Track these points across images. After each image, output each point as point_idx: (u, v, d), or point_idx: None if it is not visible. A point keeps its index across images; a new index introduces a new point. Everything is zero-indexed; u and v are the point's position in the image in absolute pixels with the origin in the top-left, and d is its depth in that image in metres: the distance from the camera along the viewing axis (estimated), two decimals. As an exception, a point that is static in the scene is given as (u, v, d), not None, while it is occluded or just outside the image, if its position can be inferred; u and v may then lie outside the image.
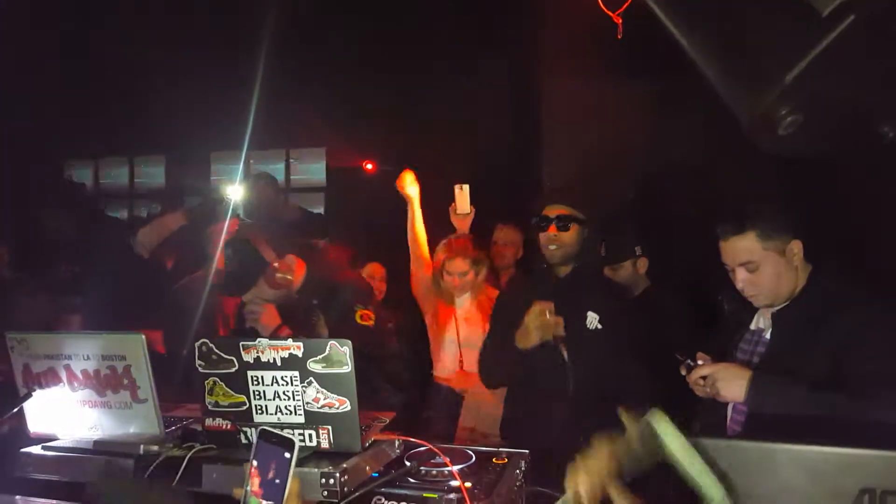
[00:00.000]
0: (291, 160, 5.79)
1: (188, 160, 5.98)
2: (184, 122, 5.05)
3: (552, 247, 2.34)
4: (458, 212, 2.91)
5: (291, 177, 5.82)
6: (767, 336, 1.92)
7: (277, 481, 1.15)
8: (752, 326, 1.98)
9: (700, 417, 2.69)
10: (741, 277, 1.86)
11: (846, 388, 1.63)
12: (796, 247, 1.84)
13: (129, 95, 4.97)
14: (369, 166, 5.47)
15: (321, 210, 5.58)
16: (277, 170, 5.67)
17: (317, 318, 2.35)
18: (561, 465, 1.42)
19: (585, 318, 2.31)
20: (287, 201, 4.10)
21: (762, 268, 1.83)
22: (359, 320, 2.36)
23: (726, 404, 1.97)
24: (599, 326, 2.31)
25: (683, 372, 1.88)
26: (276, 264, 2.32)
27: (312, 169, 5.77)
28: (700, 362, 1.86)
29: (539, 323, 2.18)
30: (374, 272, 3.55)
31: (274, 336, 2.22)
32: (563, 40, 3.64)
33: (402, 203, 3.03)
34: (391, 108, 4.86)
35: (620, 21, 1.97)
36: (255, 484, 1.18)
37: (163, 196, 5.65)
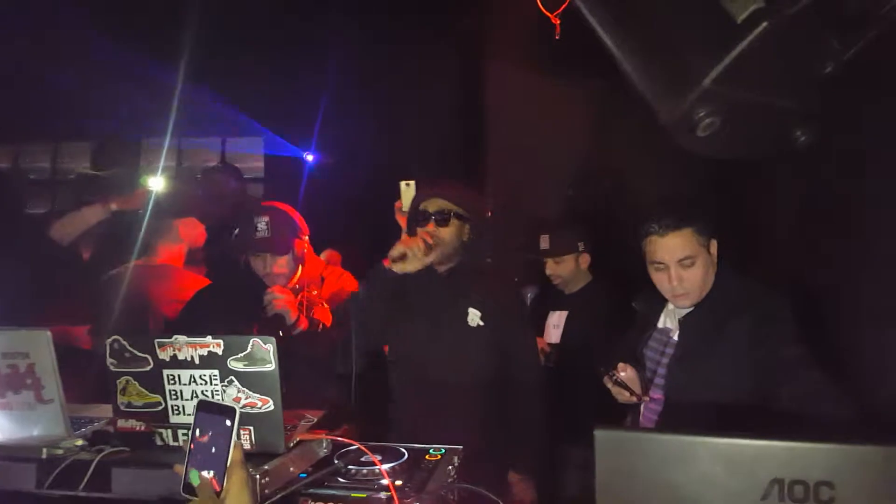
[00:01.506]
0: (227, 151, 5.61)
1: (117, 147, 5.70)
2: (112, 108, 4.82)
3: (422, 250, 2.17)
4: (404, 209, 2.84)
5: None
6: (675, 337, 1.94)
7: (219, 451, 1.10)
8: (660, 325, 2.01)
9: (631, 412, 2.76)
10: (675, 275, 1.85)
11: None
12: (714, 245, 1.88)
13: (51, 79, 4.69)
14: (309, 157, 5.36)
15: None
16: (210, 161, 5.48)
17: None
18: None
19: (466, 315, 2.25)
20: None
21: (696, 265, 1.84)
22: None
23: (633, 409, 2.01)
24: (482, 323, 2.24)
25: (609, 384, 1.90)
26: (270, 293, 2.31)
27: (249, 159, 5.60)
28: (622, 373, 1.88)
29: (414, 249, 2.11)
30: (330, 258, 3.50)
31: (293, 326, 2.26)
32: (504, 38, 3.65)
33: (340, 193, 2.95)
34: (331, 100, 4.78)
35: (559, 22, 1.97)
36: (196, 456, 1.13)
37: (86, 184, 5.36)
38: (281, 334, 2.18)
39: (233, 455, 1.10)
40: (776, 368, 1.70)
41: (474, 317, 2.25)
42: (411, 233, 2.31)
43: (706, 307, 1.88)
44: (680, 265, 1.84)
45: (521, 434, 2.26)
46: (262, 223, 2.33)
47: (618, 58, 1.18)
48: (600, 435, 1.13)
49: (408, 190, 2.65)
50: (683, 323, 1.92)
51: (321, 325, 2.35)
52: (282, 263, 2.37)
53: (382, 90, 4.65)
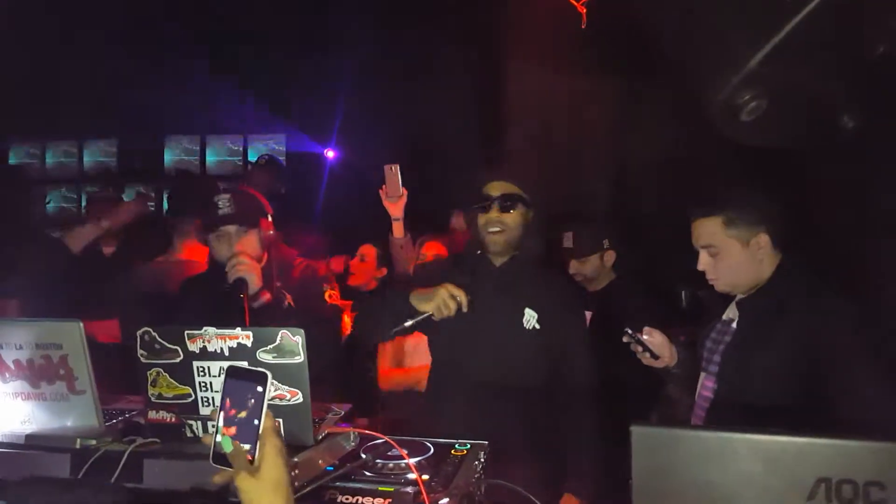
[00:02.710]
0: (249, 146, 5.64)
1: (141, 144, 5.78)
2: (136, 105, 4.88)
3: (494, 230, 2.04)
4: (388, 194, 2.69)
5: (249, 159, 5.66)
6: (734, 326, 1.93)
7: (250, 418, 1.04)
8: (724, 317, 1.99)
9: (658, 409, 2.73)
10: (702, 260, 1.89)
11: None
12: (762, 240, 1.84)
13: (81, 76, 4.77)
14: (330, 153, 5.37)
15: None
16: (234, 157, 5.52)
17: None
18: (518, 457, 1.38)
19: (522, 315, 2.07)
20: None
21: (722, 254, 1.85)
22: (328, 300, 2.29)
23: (683, 399, 1.99)
24: (537, 326, 2.07)
25: (626, 339, 1.95)
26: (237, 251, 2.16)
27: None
28: (646, 336, 1.94)
29: (443, 300, 1.89)
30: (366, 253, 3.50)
31: (257, 295, 2.07)
32: (527, 28, 3.62)
33: (360, 188, 2.95)
34: (353, 97, 4.78)
35: (584, 11, 1.94)
36: (227, 425, 1.06)
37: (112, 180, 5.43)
38: (243, 302, 2.01)
39: (265, 422, 1.04)
40: (829, 373, 1.65)
41: (530, 318, 2.07)
42: (470, 220, 2.12)
43: (764, 292, 1.86)
44: (706, 251, 1.88)
45: (577, 448, 2.07)
46: (223, 200, 2.17)
47: (659, 40, 1.14)
48: (637, 431, 1.10)
49: (392, 174, 2.59)
50: (740, 306, 1.91)
51: (287, 302, 2.15)
52: (248, 243, 2.17)
53: (403, 85, 4.65)
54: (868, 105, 1.12)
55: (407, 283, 2.21)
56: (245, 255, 2.11)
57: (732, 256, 1.84)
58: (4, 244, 2.55)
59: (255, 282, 2.06)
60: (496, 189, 2.07)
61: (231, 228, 2.17)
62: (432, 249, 2.87)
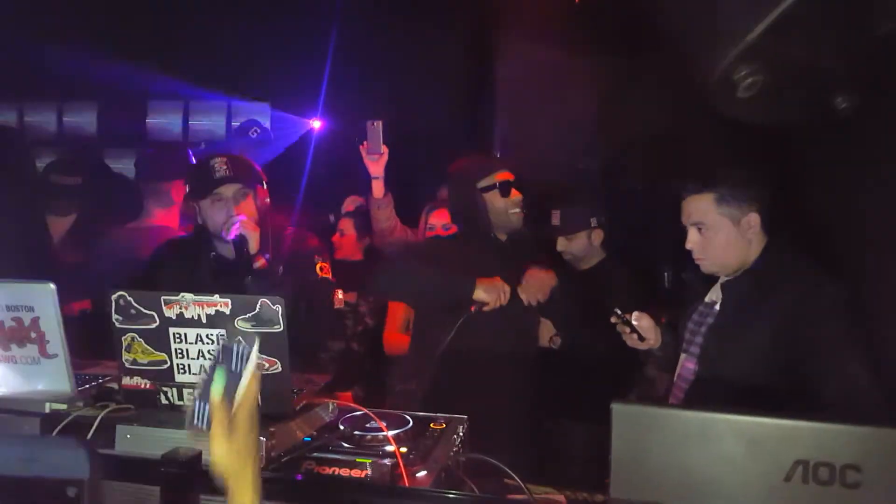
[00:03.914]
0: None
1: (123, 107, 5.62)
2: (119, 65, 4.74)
3: (515, 211, 2.32)
4: (369, 151, 2.55)
5: (232, 124, 5.55)
6: (717, 308, 1.93)
7: (234, 375, 1.01)
8: (707, 299, 1.99)
9: (636, 389, 2.75)
10: (691, 238, 1.88)
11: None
12: (753, 220, 1.84)
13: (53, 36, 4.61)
14: (316, 124, 5.28)
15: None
16: (218, 124, 5.40)
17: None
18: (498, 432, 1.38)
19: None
20: None
21: (712, 233, 1.84)
22: (319, 273, 2.25)
23: (662, 379, 2.01)
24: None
25: (613, 320, 1.99)
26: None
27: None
28: (635, 320, 1.98)
29: (502, 293, 2.19)
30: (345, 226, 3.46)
31: (253, 259, 2.01)
32: (521, 3, 3.55)
33: (347, 160, 2.88)
34: (339, 67, 4.69)
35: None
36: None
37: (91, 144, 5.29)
38: (244, 258, 1.99)
39: (248, 381, 1.02)
40: (813, 353, 1.66)
41: None
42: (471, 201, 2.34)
43: (749, 274, 1.86)
44: (695, 229, 1.87)
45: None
46: (218, 162, 2.07)
47: (654, 12, 1.11)
48: (617, 409, 1.10)
49: (374, 130, 2.48)
50: (725, 287, 1.91)
51: (281, 268, 2.11)
52: (246, 208, 2.07)
53: (391, 57, 4.56)
54: (865, 86, 1.10)
55: (420, 255, 2.40)
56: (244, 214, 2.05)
57: (722, 235, 1.84)
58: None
59: (254, 242, 2.02)
60: (503, 177, 2.33)
61: (229, 191, 2.06)
62: (441, 219, 2.86)
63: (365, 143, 2.50)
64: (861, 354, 1.66)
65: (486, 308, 2.17)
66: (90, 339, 1.74)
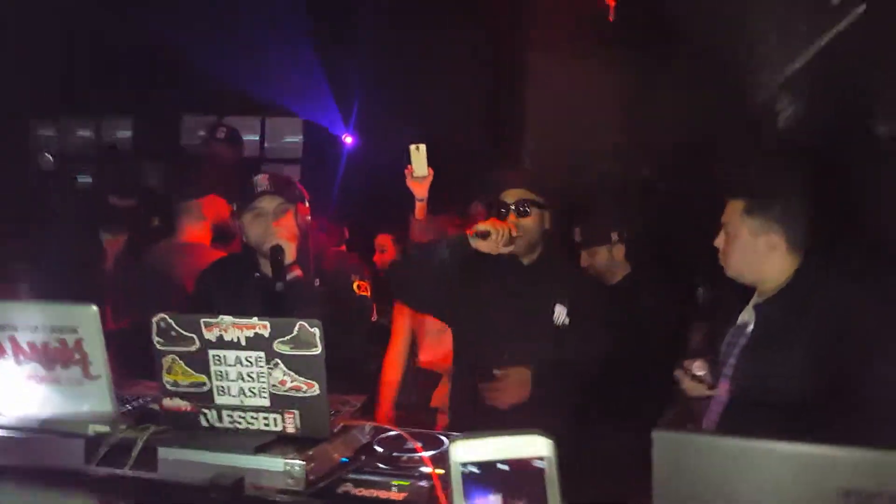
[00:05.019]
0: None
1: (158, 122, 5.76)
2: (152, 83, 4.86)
3: (506, 239, 2.09)
4: (414, 174, 2.60)
5: (266, 146, 5.63)
6: (750, 329, 1.90)
7: None
8: (739, 321, 1.96)
9: (672, 409, 2.70)
10: (720, 237, 1.92)
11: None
12: (774, 240, 1.82)
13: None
14: (348, 139, 5.33)
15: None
16: (252, 140, 5.49)
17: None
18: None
19: (552, 311, 2.15)
20: None
21: (733, 238, 1.87)
22: (357, 290, 2.26)
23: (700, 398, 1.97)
24: (567, 321, 2.14)
25: (677, 374, 1.93)
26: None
27: (287, 139, 5.59)
28: (700, 372, 1.90)
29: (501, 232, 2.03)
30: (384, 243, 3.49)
31: (289, 268, 2.02)
32: (548, 15, 3.54)
33: (380, 174, 2.90)
34: (370, 80, 4.74)
35: (613, 3, 1.90)
36: None
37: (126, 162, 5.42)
38: (272, 273, 2.01)
39: None
40: (850, 371, 1.62)
41: (560, 314, 2.14)
42: (460, 218, 2.25)
43: (780, 297, 1.85)
44: (724, 230, 1.90)
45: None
46: (260, 179, 2.12)
47: (699, 38, 1.10)
48: (659, 437, 1.07)
49: (418, 154, 2.53)
50: (758, 311, 1.89)
51: (317, 280, 2.12)
52: (286, 223, 2.08)
53: (420, 71, 4.59)
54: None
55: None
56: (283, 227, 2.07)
57: (740, 242, 1.86)
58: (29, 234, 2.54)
59: (290, 252, 2.03)
60: (511, 196, 2.17)
61: (270, 206, 2.09)
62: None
63: (409, 166, 2.55)
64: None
65: (488, 239, 2.04)
66: (126, 360, 1.77)
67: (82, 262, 2.47)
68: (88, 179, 5.14)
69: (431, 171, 2.60)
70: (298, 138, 5.58)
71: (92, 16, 4.47)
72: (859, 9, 0.94)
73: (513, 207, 2.16)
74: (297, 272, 2.05)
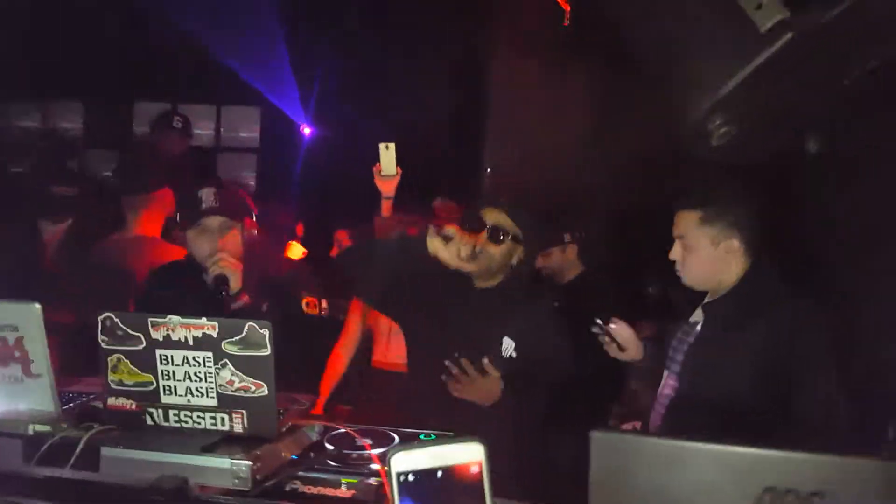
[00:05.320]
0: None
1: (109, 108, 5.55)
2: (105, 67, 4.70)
3: (468, 253, 1.98)
4: (382, 173, 2.60)
5: (222, 134, 5.51)
6: (699, 328, 1.97)
7: None
8: (691, 319, 2.03)
9: (621, 404, 2.78)
10: (675, 250, 1.94)
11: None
12: (733, 245, 1.88)
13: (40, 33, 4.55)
14: (307, 130, 5.26)
15: (253, 174, 5.33)
16: (207, 129, 5.37)
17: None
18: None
19: (500, 343, 2.07)
20: None
21: (692, 249, 1.90)
22: (305, 309, 2.21)
23: (645, 393, 2.04)
24: (514, 355, 2.07)
25: (594, 329, 2.01)
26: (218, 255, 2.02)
27: (244, 129, 5.47)
28: (614, 325, 2.00)
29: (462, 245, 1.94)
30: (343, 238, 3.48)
31: (236, 297, 1.96)
32: (514, 21, 3.58)
33: (337, 167, 2.87)
34: (332, 75, 4.69)
35: (568, 8, 1.93)
36: None
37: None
38: (222, 301, 1.94)
39: None
40: (790, 374, 1.71)
41: (508, 347, 2.07)
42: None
43: (730, 296, 1.91)
44: (679, 242, 1.93)
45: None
46: (206, 194, 2.04)
47: (634, 58, 1.15)
48: (596, 437, 1.13)
49: (387, 152, 2.53)
50: (706, 309, 1.95)
51: (266, 306, 2.06)
52: (231, 241, 2.04)
53: (383, 65, 4.57)
54: (834, 130, 1.14)
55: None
56: (227, 252, 2.01)
57: (700, 253, 1.89)
58: None
59: (236, 281, 1.98)
60: (491, 217, 2.07)
61: (215, 223, 2.05)
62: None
63: (378, 164, 2.54)
64: (836, 376, 1.71)
65: (448, 245, 1.95)
66: (70, 356, 1.74)
67: (22, 255, 2.38)
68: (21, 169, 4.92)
69: (400, 171, 2.58)
70: (256, 127, 5.47)
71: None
72: (787, 36, 1.00)
73: (488, 228, 2.05)
74: (244, 299, 1.99)
